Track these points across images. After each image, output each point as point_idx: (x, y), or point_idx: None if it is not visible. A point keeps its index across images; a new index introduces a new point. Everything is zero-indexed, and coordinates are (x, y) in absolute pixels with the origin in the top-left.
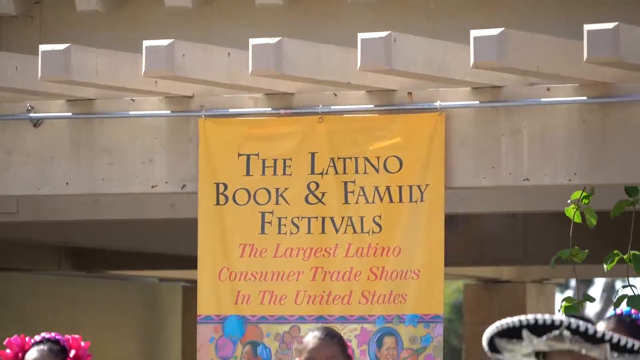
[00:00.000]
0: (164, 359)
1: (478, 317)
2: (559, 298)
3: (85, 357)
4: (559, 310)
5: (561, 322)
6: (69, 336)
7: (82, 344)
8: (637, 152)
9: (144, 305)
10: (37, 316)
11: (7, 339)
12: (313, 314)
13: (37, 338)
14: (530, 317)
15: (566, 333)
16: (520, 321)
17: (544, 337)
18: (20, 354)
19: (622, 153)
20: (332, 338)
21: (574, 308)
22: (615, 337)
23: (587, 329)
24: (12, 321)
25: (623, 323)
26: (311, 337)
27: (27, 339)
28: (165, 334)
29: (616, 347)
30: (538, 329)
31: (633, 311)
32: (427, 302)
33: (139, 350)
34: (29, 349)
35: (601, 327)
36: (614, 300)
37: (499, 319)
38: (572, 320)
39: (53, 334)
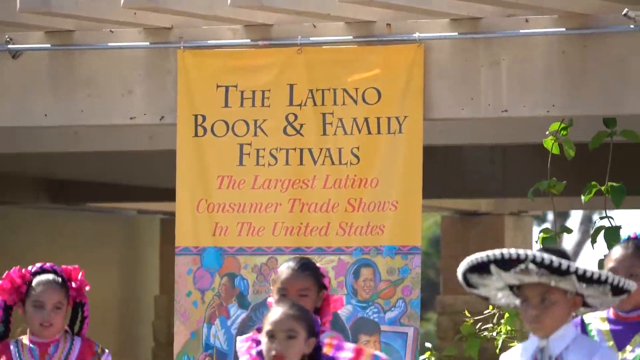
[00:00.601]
0: (142, 291)
1: (455, 250)
2: (536, 230)
3: (85, 286)
4: (536, 242)
5: (526, 255)
6: (64, 267)
7: (80, 275)
8: (616, 83)
9: (123, 238)
10: (16, 250)
11: (6, 272)
12: (290, 245)
13: (34, 269)
14: (496, 252)
15: (532, 266)
16: (487, 256)
17: (512, 272)
18: (23, 287)
19: (601, 84)
20: (304, 270)
21: (551, 240)
22: (581, 269)
23: (551, 262)
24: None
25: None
26: (285, 267)
27: (23, 270)
28: (144, 266)
29: (583, 278)
30: (505, 264)
31: None
32: (405, 233)
33: (118, 282)
34: (30, 280)
35: (617, 252)
36: (591, 232)
37: (477, 251)
38: (537, 253)
39: (48, 265)
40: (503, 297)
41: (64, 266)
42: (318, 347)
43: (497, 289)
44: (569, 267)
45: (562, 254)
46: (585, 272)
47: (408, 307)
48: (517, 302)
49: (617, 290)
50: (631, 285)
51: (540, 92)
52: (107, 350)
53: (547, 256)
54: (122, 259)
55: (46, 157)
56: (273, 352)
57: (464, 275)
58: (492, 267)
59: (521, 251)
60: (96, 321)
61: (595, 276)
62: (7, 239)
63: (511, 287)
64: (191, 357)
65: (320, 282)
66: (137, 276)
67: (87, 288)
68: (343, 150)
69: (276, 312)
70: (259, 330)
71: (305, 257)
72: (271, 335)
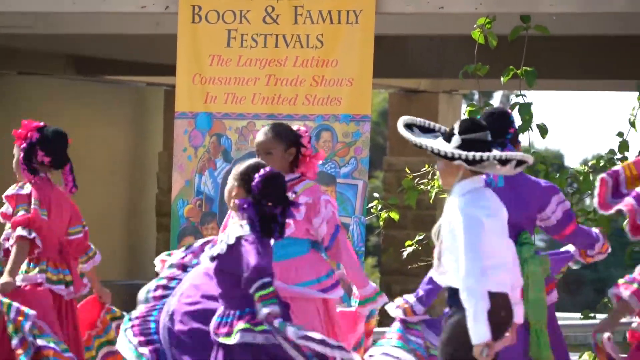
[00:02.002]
0: (149, 148)
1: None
2: (464, 107)
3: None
4: (464, 114)
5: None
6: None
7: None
8: None
9: (133, 105)
10: (47, 113)
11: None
12: (266, 112)
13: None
14: (408, 119)
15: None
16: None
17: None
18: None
19: None
20: (268, 133)
21: (476, 113)
22: (430, 146)
23: (415, 143)
24: (26, 116)
25: None
26: (259, 132)
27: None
28: (150, 128)
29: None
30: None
31: None
32: (358, 104)
33: (129, 141)
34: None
35: None
36: (509, 107)
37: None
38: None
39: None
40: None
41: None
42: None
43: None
44: (421, 145)
45: (482, 127)
46: (432, 148)
47: (359, 164)
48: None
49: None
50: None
51: None
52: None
53: (415, 139)
54: (132, 122)
55: (73, 37)
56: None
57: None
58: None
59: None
60: (110, 171)
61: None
62: (39, 103)
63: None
64: (185, 200)
65: (290, 138)
66: (145, 136)
67: None
68: (310, 37)
69: (258, 134)
70: None
71: (279, 123)
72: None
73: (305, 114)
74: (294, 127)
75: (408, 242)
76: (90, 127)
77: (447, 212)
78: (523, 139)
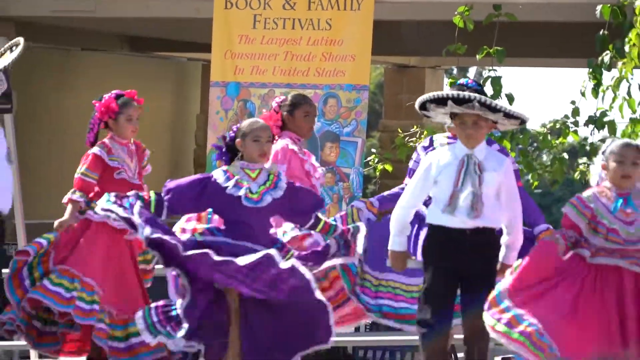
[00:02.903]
0: (188, 112)
1: (393, 90)
2: (445, 80)
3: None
4: (446, 85)
5: (474, 97)
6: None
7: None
8: None
9: (176, 77)
10: (104, 83)
11: (102, 98)
12: (283, 82)
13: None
14: (454, 92)
15: (476, 104)
16: (449, 95)
17: (463, 106)
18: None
19: None
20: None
21: (457, 86)
22: (505, 107)
23: (490, 103)
24: (89, 88)
25: None
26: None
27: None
28: (190, 95)
29: (507, 114)
30: (459, 101)
31: None
32: (358, 76)
33: (173, 106)
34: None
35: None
36: (482, 80)
37: (407, 92)
38: (482, 97)
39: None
40: (441, 118)
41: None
42: None
43: (442, 114)
44: (498, 106)
45: (485, 95)
46: (509, 110)
47: (359, 125)
48: (448, 122)
49: (511, 117)
50: (522, 115)
51: None
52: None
53: (487, 99)
54: (175, 90)
55: (127, 20)
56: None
57: (424, 103)
58: (449, 102)
59: (471, 94)
60: (158, 131)
61: (514, 113)
62: (98, 75)
63: (451, 115)
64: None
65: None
66: (185, 102)
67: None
68: (321, 21)
69: (256, 125)
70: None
71: (296, 92)
72: (256, 140)
73: (316, 84)
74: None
75: None
76: (141, 95)
77: (497, 165)
78: None
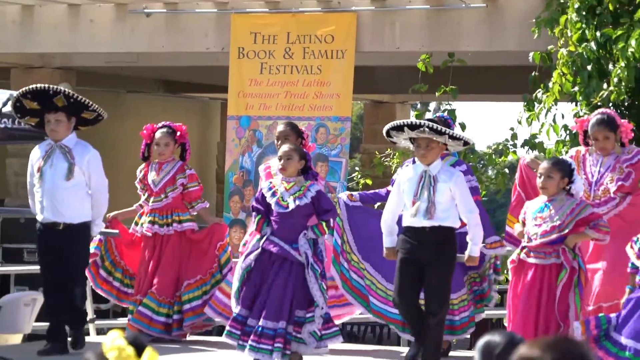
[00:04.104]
0: (210, 139)
1: (371, 121)
2: (412, 112)
3: (185, 134)
4: (412, 117)
5: (424, 124)
6: (177, 124)
7: (183, 128)
8: (454, 34)
9: (201, 113)
10: (146, 120)
11: (144, 127)
12: (284, 115)
13: (159, 125)
14: (407, 120)
15: (426, 129)
16: (404, 122)
17: (415, 131)
18: (152, 134)
19: (448, 38)
20: (287, 125)
21: (419, 117)
22: (450, 131)
23: (437, 128)
24: (133, 122)
25: None
26: (279, 126)
27: (154, 126)
28: (211, 127)
29: (451, 137)
30: (412, 127)
31: None
32: (342, 110)
33: (198, 135)
34: (157, 130)
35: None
36: (440, 112)
37: (382, 122)
38: (429, 123)
39: (167, 122)
40: (404, 143)
41: (174, 124)
42: (308, 166)
43: (404, 139)
44: (443, 130)
45: (443, 123)
46: (450, 132)
47: (343, 148)
48: (412, 146)
49: (456, 139)
50: (465, 137)
51: (417, 39)
52: (191, 168)
53: (434, 125)
54: (200, 123)
55: (163, 68)
56: (280, 166)
57: (388, 131)
58: (405, 128)
59: (421, 121)
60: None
61: (455, 135)
62: (139, 114)
63: (412, 140)
64: (233, 172)
65: (300, 135)
66: (208, 132)
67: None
68: (313, 67)
69: (279, 126)
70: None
71: (291, 122)
72: (279, 158)
73: (309, 117)
74: (302, 127)
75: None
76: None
77: (448, 177)
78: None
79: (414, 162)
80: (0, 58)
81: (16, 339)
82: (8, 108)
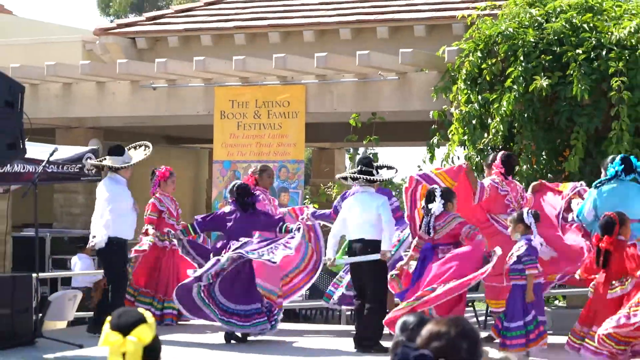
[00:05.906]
0: (201, 177)
1: (317, 162)
2: (346, 156)
3: (170, 177)
4: (347, 158)
5: (361, 177)
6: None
7: (170, 173)
8: (372, 98)
9: (194, 159)
10: (152, 163)
11: (158, 171)
12: (255, 159)
13: (162, 169)
14: (346, 173)
15: (362, 181)
16: (349, 175)
17: (355, 181)
18: (167, 174)
19: (373, 95)
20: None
21: (351, 159)
22: (377, 178)
23: (369, 179)
24: (141, 166)
25: None
26: (258, 165)
27: (164, 169)
28: (202, 169)
29: (380, 181)
30: (354, 179)
31: None
32: (297, 155)
33: (191, 175)
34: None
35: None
36: (366, 154)
37: (325, 163)
38: (365, 176)
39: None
40: (350, 182)
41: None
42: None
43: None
44: (374, 179)
45: (370, 164)
46: (379, 179)
47: (299, 183)
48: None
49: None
50: (386, 178)
51: (349, 103)
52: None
53: (368, 177)
54: (194, 167)
55: (164, 127)
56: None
57: (339, 178)
58: (348, 179)
59: (360, 176)
60: (185, 189)
61: (381, 179)
62: (146, 160)
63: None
64: (218, 201)
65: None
66: (199, 173)
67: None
68: (275, 124)
69: (260, 166)
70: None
71: (263, 164)
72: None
73: (274, 160)
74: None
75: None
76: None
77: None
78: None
79: (353, 193)
80: (47, 121)
81: (62, 324)
82: (54, 157)
